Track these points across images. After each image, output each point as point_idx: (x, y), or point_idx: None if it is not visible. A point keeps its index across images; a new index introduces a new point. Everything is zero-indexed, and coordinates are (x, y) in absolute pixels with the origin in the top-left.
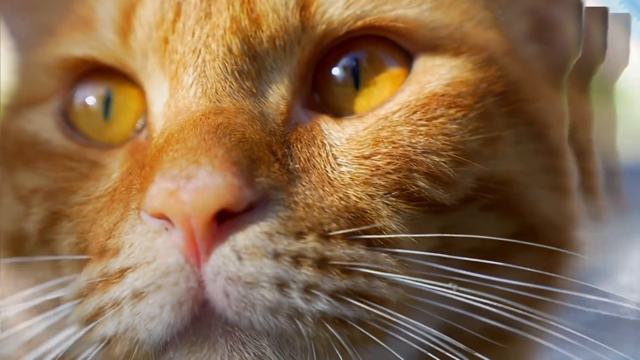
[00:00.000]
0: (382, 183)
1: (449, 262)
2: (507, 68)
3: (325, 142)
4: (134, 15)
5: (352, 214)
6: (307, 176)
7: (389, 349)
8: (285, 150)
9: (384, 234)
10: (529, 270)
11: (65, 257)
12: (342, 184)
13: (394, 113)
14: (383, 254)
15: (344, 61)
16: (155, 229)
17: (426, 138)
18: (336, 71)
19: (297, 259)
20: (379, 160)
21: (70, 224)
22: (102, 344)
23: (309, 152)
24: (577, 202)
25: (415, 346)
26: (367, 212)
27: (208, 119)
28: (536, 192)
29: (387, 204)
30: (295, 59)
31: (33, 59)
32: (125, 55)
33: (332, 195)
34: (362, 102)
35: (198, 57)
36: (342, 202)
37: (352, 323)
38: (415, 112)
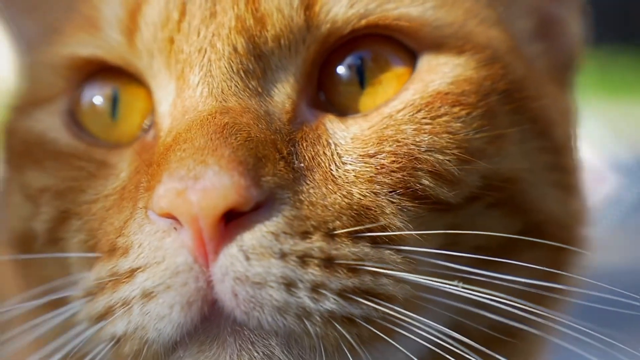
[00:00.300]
0: (387, 181)
1: (455, 260)
2: (510, 66)
3: (330, 141)
4: (139, 15)
5: (355, 212)
6: (311, 174)
7: (397, 346)
8: (291, 149)
9: (388, 232)
10: (535, 268)
11: (74, 254)
12: (346, 182)
13: (398, 112)
14: (388, 251)
15: (349, 60)
16: (163, 228)
17: (430, 136)
18: (341, 70)
19: (303, 259)
20: (383, 159)
21: (79, 222)
22: (112, 343)
23: (314, 151)
24: (583, 199)
25: (424, 343)
26: (370, 210)
27: (214, 118)
28: (541, 189)
29: (392, 202)
30: (301, 58)
31: (40, 59)
32: (131, 55)
33: (335, 193)
34: (367, 100)
35: (204, 56)
36: (345, 200)
37: (360, 321)
38: (419, 111)
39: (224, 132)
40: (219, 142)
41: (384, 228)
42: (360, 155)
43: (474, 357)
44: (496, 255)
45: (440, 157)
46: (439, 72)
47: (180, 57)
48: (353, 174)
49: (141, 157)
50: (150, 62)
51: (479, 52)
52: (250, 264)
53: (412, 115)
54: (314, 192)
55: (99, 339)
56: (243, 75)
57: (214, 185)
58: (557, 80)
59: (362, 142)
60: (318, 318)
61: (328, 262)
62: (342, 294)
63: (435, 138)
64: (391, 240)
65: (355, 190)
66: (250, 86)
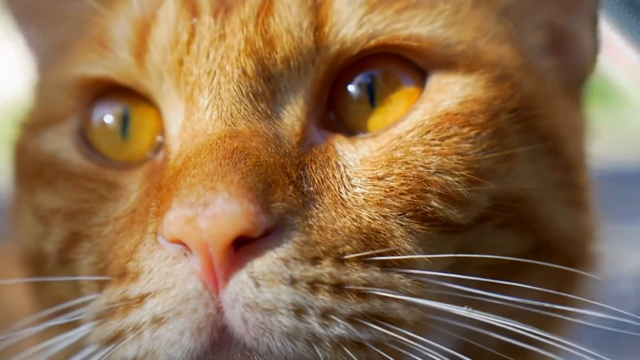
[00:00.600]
0: (396, 204)
1: (465, 282)
2: (520, 84)
3: (339, 163)
4: (148, 36)
5: (365, 235)
6: (320, 198)
7: None
8: (300, 172)
9: (398, 255)
10: (544, 288)
11: (85, 277)
12: (356, 205)
13: (407, 133)
14: (397, 275)
15: (359, 78)
16: (173, 254)
17: (440, 158)
18: (351, 88)
19: (313, 285)
20: (392, 181)
21: (89, 244)
22: None
23: (323, 174)
24: (594, 215)
25: None
26: (380, 233)
27: (224, 142)
28: (551, 208)
29: (401, 225)
30: (310, 80)
31: (50, 78)
32: (140, 76)
33: (344, 216)
34: (377, 119)
35: (213, 79)
36: (355, 224)
37: (370, 345)
38: (428, 132)
39: (234, 157)
40: (229, 167)
41: (393, 252)
42: (370, 178)
43: None
44: (506, 273)
45: (450, 178)
46: (448, 92)
47: (190, 79)
48: (362, 197)
49: (151, 179)
50: (159, 84)
51: (488, 71)
52: (260, 291)
53: (422, 136)
54: (324, 217)
55: None
56: (252, 98)
57: (223, 212)
58: (569, 95)
59: (372, 164)
60: (328, 344)
61: (338, 288)
62: (352, 319)
63: (445, 159)
64: (401, 264)
65: (364, 214)
66: (259, 109)
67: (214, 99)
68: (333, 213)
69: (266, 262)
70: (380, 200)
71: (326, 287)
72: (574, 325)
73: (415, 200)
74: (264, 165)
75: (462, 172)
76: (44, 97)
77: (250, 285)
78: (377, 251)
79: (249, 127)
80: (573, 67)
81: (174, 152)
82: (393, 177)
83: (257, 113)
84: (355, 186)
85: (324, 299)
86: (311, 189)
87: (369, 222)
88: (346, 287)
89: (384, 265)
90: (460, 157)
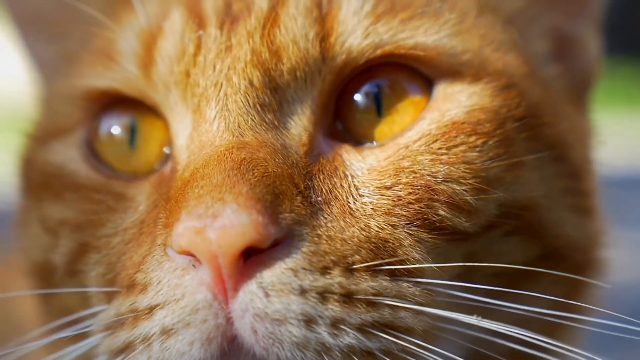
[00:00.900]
0: (404, 213)
1: (473, 290)
2: (526, 92)
3: (347, 172)
4: (155, 48)
5: (374, 245)
6: (328, 208)
7: None
8: (308, 183)
9: (407, 264)
10: (552, 296)
11: (94, 289)
12: (364, 215)
13: (414, 142)
14: (406, 284)
15: (366, 88)
16: (182, 265)
17: (447, 167)
18: (358, 97)
19: (323, 295)
20: (400, 191)
21: (98, 255)
22: None
23: (331, 184)
24: (601, 221)
25: None
26: (388, 242)
27: (232, 154)
28: (559, 214)
29: (409, 234)
30: (317, 90)
31: (57, 90)
32: (147, 88)
33: (353, 226)
34: (384, 129)
35: (220, 90)
36: (364, 233)
37: (379, 354)
38: (435, 141)
39: (241, 168)
40: (237, 178)
41: (402, 261)
42: (377, 187)
43: None
44: (515, 281)
45: (457, 187)
46: (454, 101)
47: (197, 90)
48: (370, 206)
49: (159, 190)
50: (166, 95)
51: (494, 80)
52: (270, 301)
53: (429, 145)
54: (332, 226)
55: None
56: (259, 109)
57: (232, 223)
58: (575, 101)
59: (379, 173)
60: (337, 353)
61: (347, 297)
62: (362, 328)
63: (452, 168)
64: (409, 273)
65: (373, 223)
66: (266, 120)
67: (221, 110)
68: (341, 223)
69: (275, 273)
70: (388, 209)
71: (336, 296)
72: (581, 331)
73: (423, 209)
74: (271, 176)
75: (469, 181)
76: (51, 108)
77: (260, 296)
78: (386, 260)
79: (257, 138)
80: (578, 72)
81: (182, 163)
82: (401, 186)
83: (264, 124)
84: (363, 196)
85: (333, 308)
86: (319, 199)
87: (378, 231)
88: (355, 296)
89: (393, 275)
90: (467, 166)
